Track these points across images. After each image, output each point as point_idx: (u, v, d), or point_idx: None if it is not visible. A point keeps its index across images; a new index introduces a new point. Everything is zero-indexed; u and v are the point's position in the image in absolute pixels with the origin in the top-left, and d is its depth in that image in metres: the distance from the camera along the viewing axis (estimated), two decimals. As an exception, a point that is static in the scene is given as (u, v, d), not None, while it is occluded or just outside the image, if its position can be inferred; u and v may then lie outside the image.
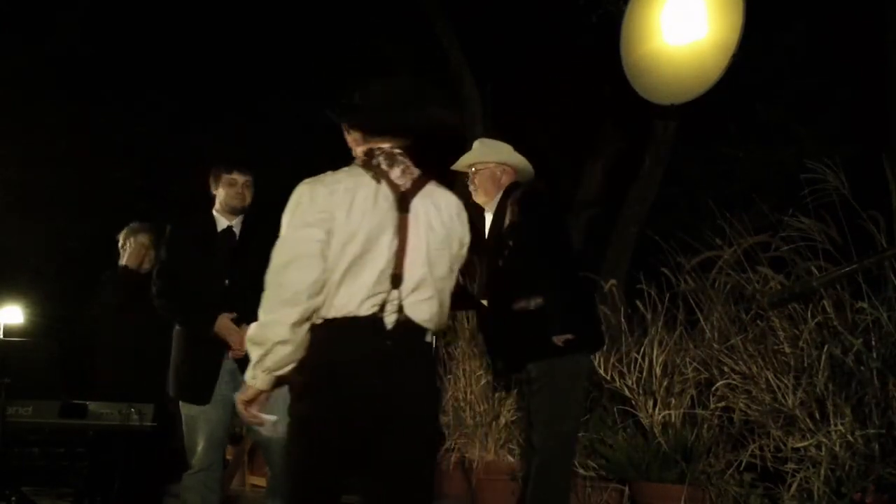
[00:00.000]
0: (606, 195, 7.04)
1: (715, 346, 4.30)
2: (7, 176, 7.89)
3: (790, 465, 3.75)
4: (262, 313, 2.41)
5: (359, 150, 2.62)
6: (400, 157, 2.59)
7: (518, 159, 3.92)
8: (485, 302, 3.96)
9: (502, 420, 5.17)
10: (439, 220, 2.56)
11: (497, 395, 5.24)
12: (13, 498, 4.34)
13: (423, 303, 2.49)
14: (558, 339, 3.56)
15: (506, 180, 3.89)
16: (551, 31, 7.02)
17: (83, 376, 5.07)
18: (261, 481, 6.03)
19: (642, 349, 4.56)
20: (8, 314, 7.01)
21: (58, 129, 8.17)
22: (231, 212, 4.03)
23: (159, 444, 4.75)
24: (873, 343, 3.70)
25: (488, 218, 3.92)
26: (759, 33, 5.49)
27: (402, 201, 2.51)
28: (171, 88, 8.40)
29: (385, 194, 2.50)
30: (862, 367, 3.71)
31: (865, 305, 3.73)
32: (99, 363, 5.08)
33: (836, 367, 3.77)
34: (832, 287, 3.82)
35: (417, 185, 2.56)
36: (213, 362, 3.77)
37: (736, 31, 4.93)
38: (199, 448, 3.73)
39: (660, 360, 4.48)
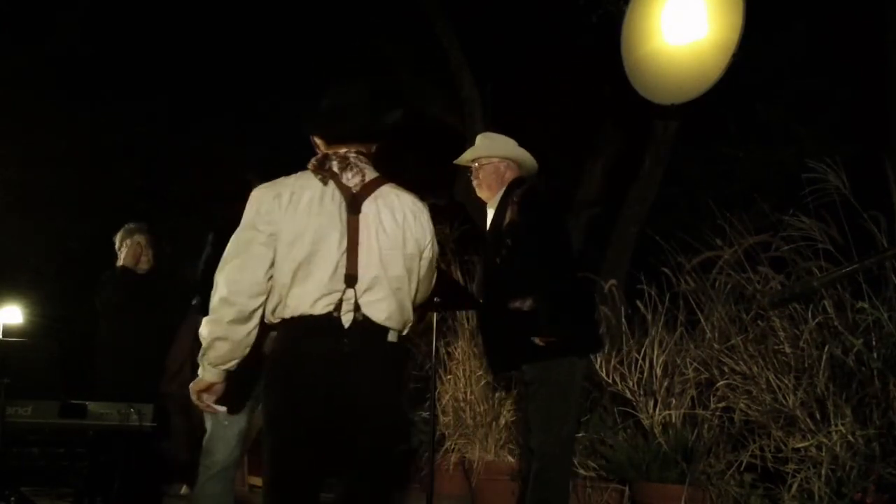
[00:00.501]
0: (606, 195, 7.03)
1: (715, 346, 4.30)
2: (7, 176, 7.88)
3: (791, 466, 3.75)
4: (209, 310, 2.51)
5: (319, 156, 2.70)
6: (355, 161, 2.65)
7: (522, 154, 3.91)
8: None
9: (502, 420, 5.17)
10: (392, 221, 2.61)
11: (497, 395, 5.24)
12: (13, 498, 4.33)
13: (379, 302, 2.54)
14: (540, 340, 3.55)
15: (509, 175, 3.87)
16: (551, 31, 7.01)
17: (83, 376, 5.07)
18: (260, 481, 6.02)
19: (643, 349, 4.56)
20: (8, 314, 7.00)
21: (58, 129, 8.16)
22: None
23: (159, 444, 4.76)
24: (874, 343, 3.69)
25: (490, 213, 3.90)
26: (759, 33, 5.48)
27: (353, 203, 2.57)
28: (171, 88, 8.39)
29: (333, 196, 2.56)
30: (862, 368, 3.70)
31: (866, 305, 3.73)
32: (99, 363, 5.08)
33: (837, 368, 3.76)
34: (833, 287, 3.82)
35: (370, 188, 2.62)
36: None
37: (736, 31, 4.92)
38: (234, 444, 3.69)
39: (660, 360, 4.48)
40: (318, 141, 2.73)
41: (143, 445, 4.57)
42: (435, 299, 3.86)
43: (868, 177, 3.94)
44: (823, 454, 3.65)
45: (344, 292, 2.49)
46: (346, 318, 2.49)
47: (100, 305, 5.15)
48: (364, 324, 2.50)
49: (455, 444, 5.25)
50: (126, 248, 5.19)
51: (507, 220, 3.74)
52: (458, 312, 5.53)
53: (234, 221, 3.55)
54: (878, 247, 3.79)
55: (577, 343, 3.69)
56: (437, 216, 6.13)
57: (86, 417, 4.42)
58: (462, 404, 5.35)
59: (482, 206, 4.04)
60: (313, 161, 2.66)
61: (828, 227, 3.92)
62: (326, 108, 2.71)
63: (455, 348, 5.55)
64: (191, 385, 2.59)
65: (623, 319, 4.77)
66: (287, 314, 2.50)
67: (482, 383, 5.28)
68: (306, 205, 2.53)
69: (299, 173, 2.63)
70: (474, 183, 3.93)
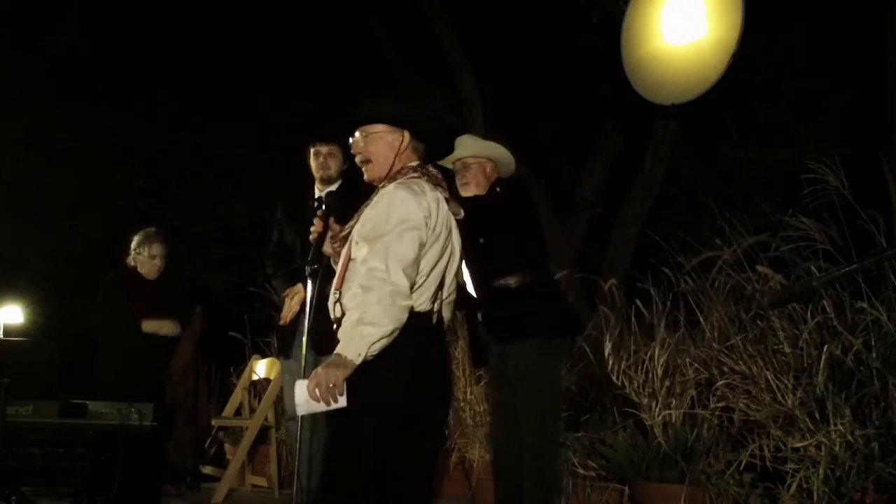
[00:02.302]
0: (606, 195, 7.03)
1: (715, 346, 4.30)
2: (7, 176, 7.88)
3: (790, 465, 3.75)
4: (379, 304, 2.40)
5: (408, 164, 2.71)
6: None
7: (505, 154, 4.06)
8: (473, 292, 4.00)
9: (502, 420, 5.16)
10: None
11: (491, 399, 5.24)
12: (13, 498, 4.33)
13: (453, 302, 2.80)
14: (510, 281, 3.78)
15: (494, 175, 4.03)
16: (551, 30, 7.02)
17: (83, 376, 5.07)
18: (261, 481, 6.03)
19: (649, 350, 4.56)
20: (8, 314, 7.00)
21: (58, 129, 8.16)
22: (321, 181, 4.31)
23: (159, 443, 4.76)
24: (873, 343, 3.70)
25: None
26: (759, 33, 5.48)
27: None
28: (171, 88, 8.40)
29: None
30: (862, 367, 3.71)
31: (865, 305, 3.73)
32: (103, 364, 5.07)
33: (836, 367, 3.77)
34: (832, 287, 3.82)
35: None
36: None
37: (736, 31, 4.93)
38: None
39: (660, 360, 4.48)
40: (403, 143, 2.71)
41: (143, 445, 4.57)
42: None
43: (867, 177, 3.94)
44: (823, 454, 3.65)
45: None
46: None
47: (104, 306, 5.13)
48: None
49: (455, 444, 5.25)
50: (144, 258, 5.18)
51: (489, 203, 3.89)
52: (457, 312, 5.53)
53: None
54: (877, 247, 3.79)
55: (548, 326, 3.84)
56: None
57: (86, 417, 4.42)
58: (462, 404, 5.35)
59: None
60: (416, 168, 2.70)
61: (827, 228, 3.92)
62: (431, 121, 2.86)
63: (455, 348, 5.55)
64: (330, 378, 2.35)
65: (633, 319, 4.77)
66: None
67: (482, 383, 5.28)
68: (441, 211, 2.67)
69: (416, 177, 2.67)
70: (461, 181, 4.03)
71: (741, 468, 4.00)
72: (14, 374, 4.28)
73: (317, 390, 2.35)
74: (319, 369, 2.38)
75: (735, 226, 4.36)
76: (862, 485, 3.54)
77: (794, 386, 3.84)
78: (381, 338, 2.38)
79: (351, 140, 2.76)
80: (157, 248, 5.16)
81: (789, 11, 6.17)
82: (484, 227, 3.79)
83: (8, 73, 7.71)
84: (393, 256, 2.44)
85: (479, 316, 4.00)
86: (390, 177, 2.67)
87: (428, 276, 2.59)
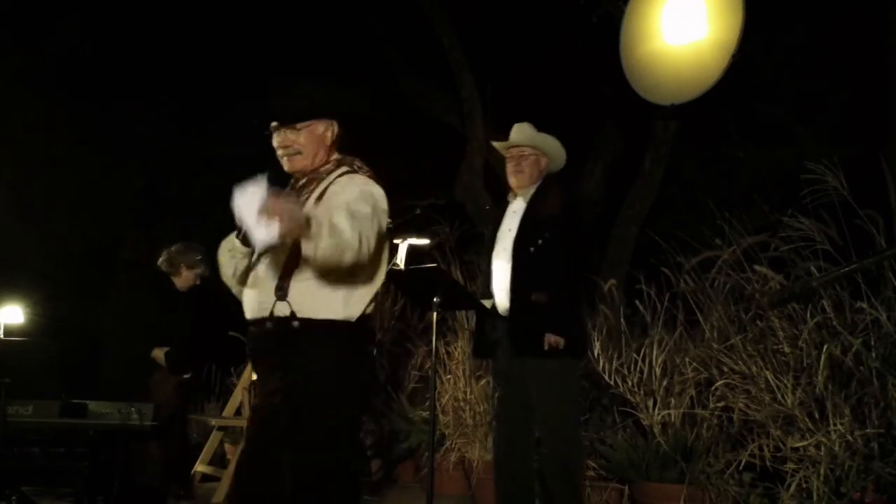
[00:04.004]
0: (606, 195, 7.03)
1: (714, 345, 4.30)
2: (7, 176, 7.88)
3: (789, 465, 3.75)
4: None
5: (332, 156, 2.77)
6: None
7: (560, 151, 4.03)
8: (486, 302, 3.96)
9: (502, 420, 5.16)
10: None
11: (497, 395, 5.24)
12: (13, 498, 4.33)
13: None
14: (550, 340, 3.69)
15: (545, 170, 4.01)
16: (551, 31, 7.02)
17: (83, 376, 5.07)
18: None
19: (642, 350, 4.56)
20: (8, 314, 6.99)
21: (58, 129, 8.16)
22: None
23: (159, 443, 4.75)
24: (872, 343, 3.70)
25: (517, 202, 4.01)
26: (759, 33, 5.48)
27: None
28: (171, 88, 8.40)
29: None
30: (861, 367, 3.71)
31: (865, 305, 3.73)
32: (110, 363, 5.05)
33: (836, 367, 3.77)
34: (832, 287, 3.82)
35: None
36: None
37: (736, 31, 4.93)
38: None
39: (659, 359, 4.48)
40: (333, 134, 2.77)
41: (143, 445, 4.57)
42: (435, 299, 3.87)
43: (867, 177, 3.94)
44: (822, 453, 3.65)
45: None
46: None
47: (124, 306, 5.07)
48: None
49: (455, 444, 5.25)
50: (185, 275, 5.21)
51: (547, 213, 3.84)
52: (457, 312, 5.54)
53: None
54: (877, 247, 3.79)
55: (578, 346, 3.85)
56: (436, 216, 6.16)
57: (86, 417, 4.41)
58: (462, 404, 5.35)
59: (502, 197, 4.14)
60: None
61: (826, 228, 3.93)
62: (356, 109, 2.94)
63: (455, 348, 5.55)
64: (294, 211, 2.33)
65: (622, 320, 4.78)
66: None
67: (482, 383, 5.28)
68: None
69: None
70: (514, 168, 3.99)
71: (741, 468, 4.00)
72: (14, 374, 4.27)
73: (279, 210, 2.29)
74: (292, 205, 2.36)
75: (735, 226, 4.37)
76: (861, 485, 3.54)
77: (794, 386, 3.85)
78: (329, 248, 2.39)
79: (276, 130, 2.71)
80: (200, 269, 5.20)
81: (789, 11, 6.17)
82: (538, 236, 3.79)
83: (8, 73, 7.71)
84: (364, 236, 2.48)
85: (504, 321, 3.90)
86: (321, 168, 2.71)
87: (374, 280, 2.66)
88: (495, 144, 4.18)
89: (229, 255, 2.72)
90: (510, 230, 3.94)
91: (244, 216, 2.38)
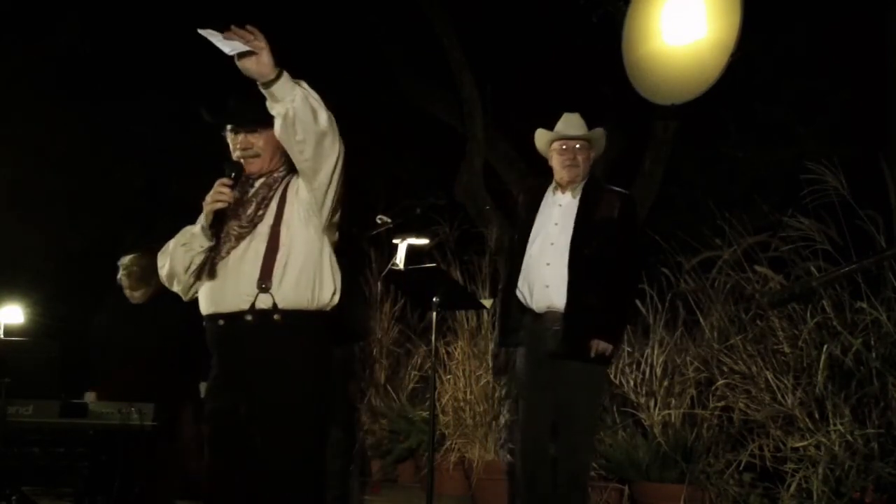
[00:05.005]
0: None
1: (715, 345, 4.31)
2: (7, 176, 7.88)
3: (789, 465, 3.75)
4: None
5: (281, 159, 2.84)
6: None
7: (604, 142, 3.94)
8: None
9: (502, 420, 5.18)
10: None
11: (497, 395, 5.25)
12: (13, 498, 4.33)
13: None
14: (598, 346, 3.54)
15: (591, 161, 3.86)
16: (551, 31, 7.02)
17: (84, 376, 5.06)
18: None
19: (643, 350, 4.57)
20: (8, 314, 6.99)
21: (58, 129, 8.16)
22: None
23: (160, 443, 4.74)
24: (872, 343, 3.70)
25: (561, 197, 3.80)
26: (759, 33, 5.48)
27: None
28: (171, 88, 8.39)
29: None
30: (861, 367, 3.71)
31: (865, 305, 3.74)
32: (114, 364, 5.04)
33: (836, 367, 3.77)
34: (832, 287, 3.83)
35: None
36: None
37: (736, 31, 4.93)
38: None
39: (660, 359, 4.49)
40: None
41: (144, 445, 4.56)
42: (435, 299, 3.87)
43: (867, 177, 3.95)
44: (822, 453, 3.65)
45: None
46: None
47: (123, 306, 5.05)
48: None
49: (455, 444, 5.25)
50: None
51: (605, 214, 3.69)
52: (457, 312, 5.54)
53: None
54: (877, 247, 3.80)
55: (614, 353, 3.81)
56: (436, 216, 6.15)
57: (86, 417, 4.41)
58: (462, 404, 5.35)
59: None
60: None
61: (826, 228, 3.93)
62: None
63: (455, 348, 5.55)
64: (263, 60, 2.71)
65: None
66: None
67: (482, 383, 5.28)
68: None
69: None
70: (567, 161, 3.76)
71: (741, 468, 4.00)
72: (14, 374, 4.27)
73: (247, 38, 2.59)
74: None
75: (735, 226, 4.37)
76: (861, 485, 3.54)
77: (794, 386, 3.85)
78: (301, 102, 2.59)
79: (233, 133, 2.84)
80: None
81: (789, 11, 6.17)
82: (595, 238, 3.64)
83: (8, 73, 7.71)
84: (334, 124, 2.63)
85: (538, 318, 3.70)
86: (275, 172, 2.79)
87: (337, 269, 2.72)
88: (541, 134, 3.93)
89: (184, 250, 2.74)
90: (556, 224, 3.73)
91: (213, 38, 2.62)
